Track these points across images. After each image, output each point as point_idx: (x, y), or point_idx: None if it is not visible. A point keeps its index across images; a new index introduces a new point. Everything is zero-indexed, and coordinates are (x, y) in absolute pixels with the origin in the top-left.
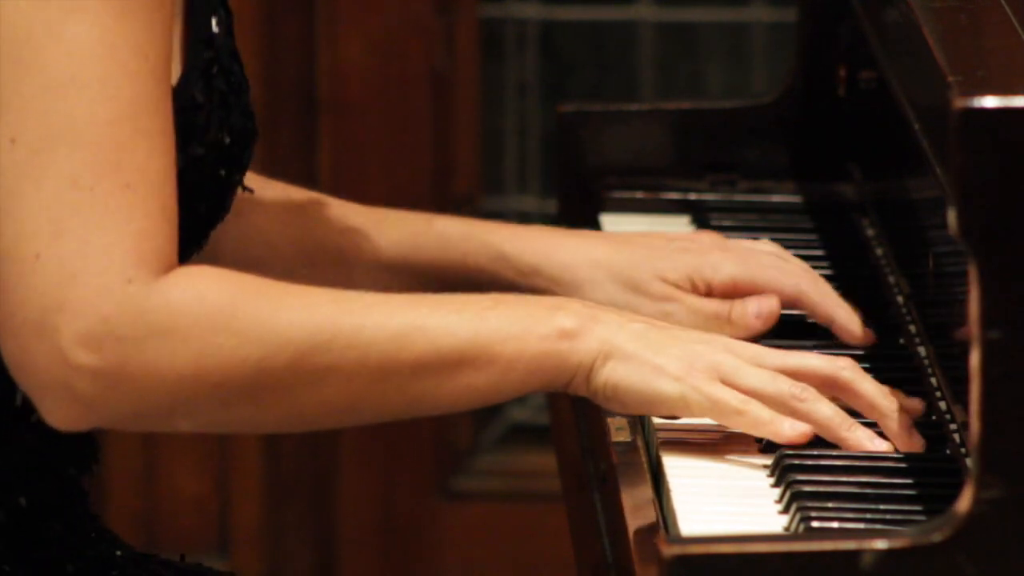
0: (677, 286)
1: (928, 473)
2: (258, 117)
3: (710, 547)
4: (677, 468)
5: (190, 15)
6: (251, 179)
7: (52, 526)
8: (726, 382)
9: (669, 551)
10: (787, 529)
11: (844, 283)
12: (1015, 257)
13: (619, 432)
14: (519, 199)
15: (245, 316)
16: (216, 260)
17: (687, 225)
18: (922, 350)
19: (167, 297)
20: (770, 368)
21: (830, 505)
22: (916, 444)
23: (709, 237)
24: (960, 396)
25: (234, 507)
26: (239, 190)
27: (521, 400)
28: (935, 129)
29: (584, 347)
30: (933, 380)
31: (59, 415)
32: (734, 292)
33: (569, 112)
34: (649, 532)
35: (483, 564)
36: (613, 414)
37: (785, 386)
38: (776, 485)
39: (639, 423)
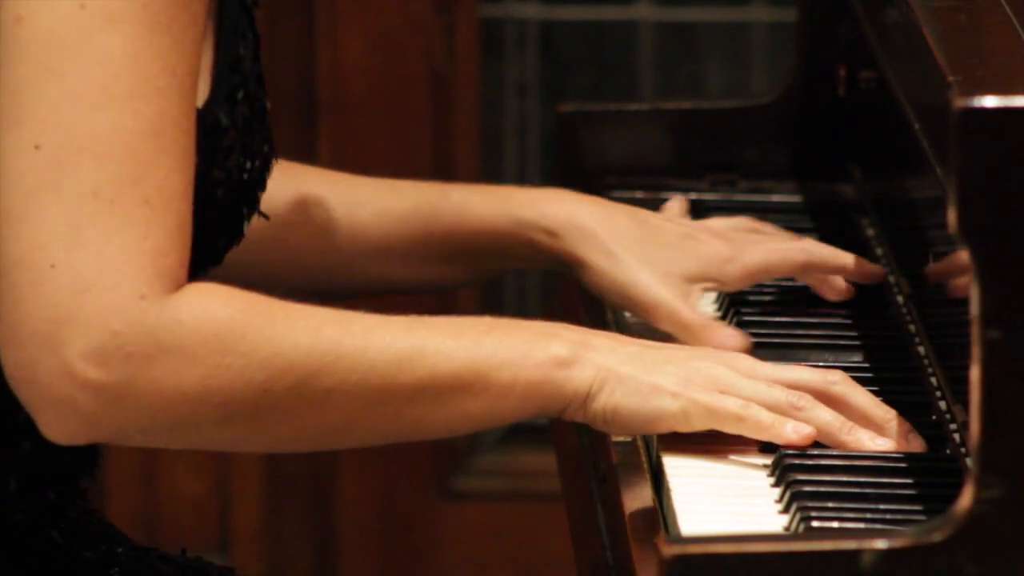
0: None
1: (928, 473)
2: None
3: (710, 547)
4: (677, 468)
5: (220, 38)
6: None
7: (50, 535)
8: (724, 393)
9: (669, 551)
10: (787, 529)
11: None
12: (1015, 257)
13: None
14: None
15: (252, 338)
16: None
17: None
18: (922, 350)
19: (178, 315)
20: (764, 380)
21: (830, 505)
22: (915, 449)
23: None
24: (960, 396)
25: (234, 507)
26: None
27: None
28: (935, 129)
29: (579, 375)
30: (933, 380)
31: (59, 429)
32: (746, 281)
33: (569, 112)
34: (649, 532)
35: (483, 564)
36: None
37: (783, 395)
38: (776, 485)
39: None
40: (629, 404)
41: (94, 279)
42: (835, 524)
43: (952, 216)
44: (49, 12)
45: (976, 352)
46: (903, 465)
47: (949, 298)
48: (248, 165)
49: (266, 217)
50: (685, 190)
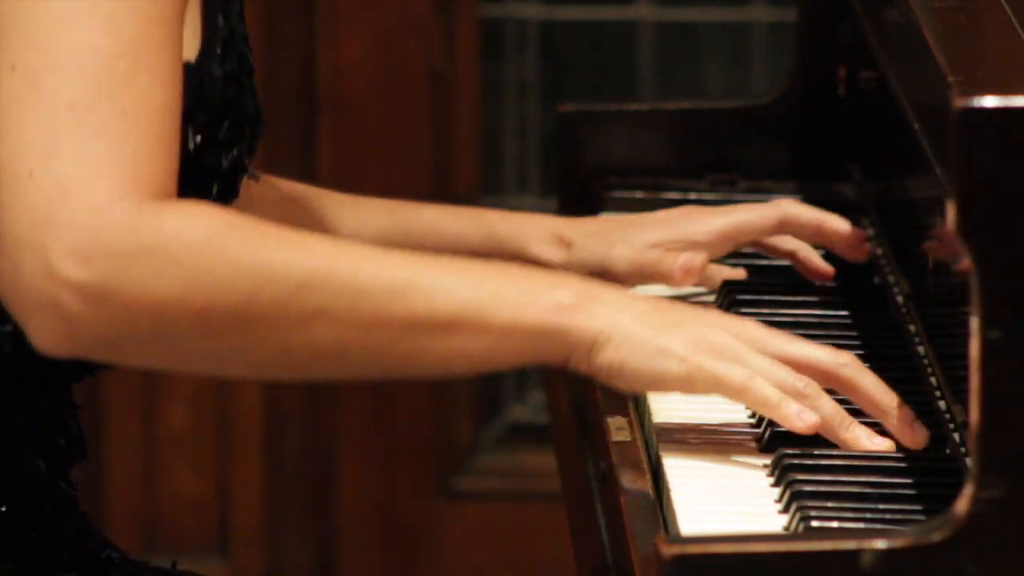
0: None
1: (928, 473)
2: None
3: (709, 547)
4: (677, 468)
5: None
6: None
7: (30, 537)
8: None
9: (669, 551)
10: (787, 529)
11: (844, 283)
12: (1015, 257)
13: (619, 432)
14: (519, 199)
15: (238, 247)
16: None
17: None
18: (922, 350)
19: (160, 218)
20: (772, 355)
21: (830, 505)
22: (919, 438)
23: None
24: (960, 396)
25: (234, 507)
26: (246, 176)
27: (521, 400)
28: (935, 129)
29: (585, 324)
30: (933, 380)
31: (45, 335)
32: (721, 242)
33: (569, 112)
34: (649, 532)
35: (483, 564)
36: (613, 414)
37: (789, 378)
38: (776, 485)
39: (639, 421)
40: (634, 363)
41: (72, 183)
42: (835, 524)
43: (952, 216)
44: None
45: (976, 352)
46: (903, 465)
47: (949, 298)
48: (239, 120)
49: (256, 178)
50: (685, 190)
